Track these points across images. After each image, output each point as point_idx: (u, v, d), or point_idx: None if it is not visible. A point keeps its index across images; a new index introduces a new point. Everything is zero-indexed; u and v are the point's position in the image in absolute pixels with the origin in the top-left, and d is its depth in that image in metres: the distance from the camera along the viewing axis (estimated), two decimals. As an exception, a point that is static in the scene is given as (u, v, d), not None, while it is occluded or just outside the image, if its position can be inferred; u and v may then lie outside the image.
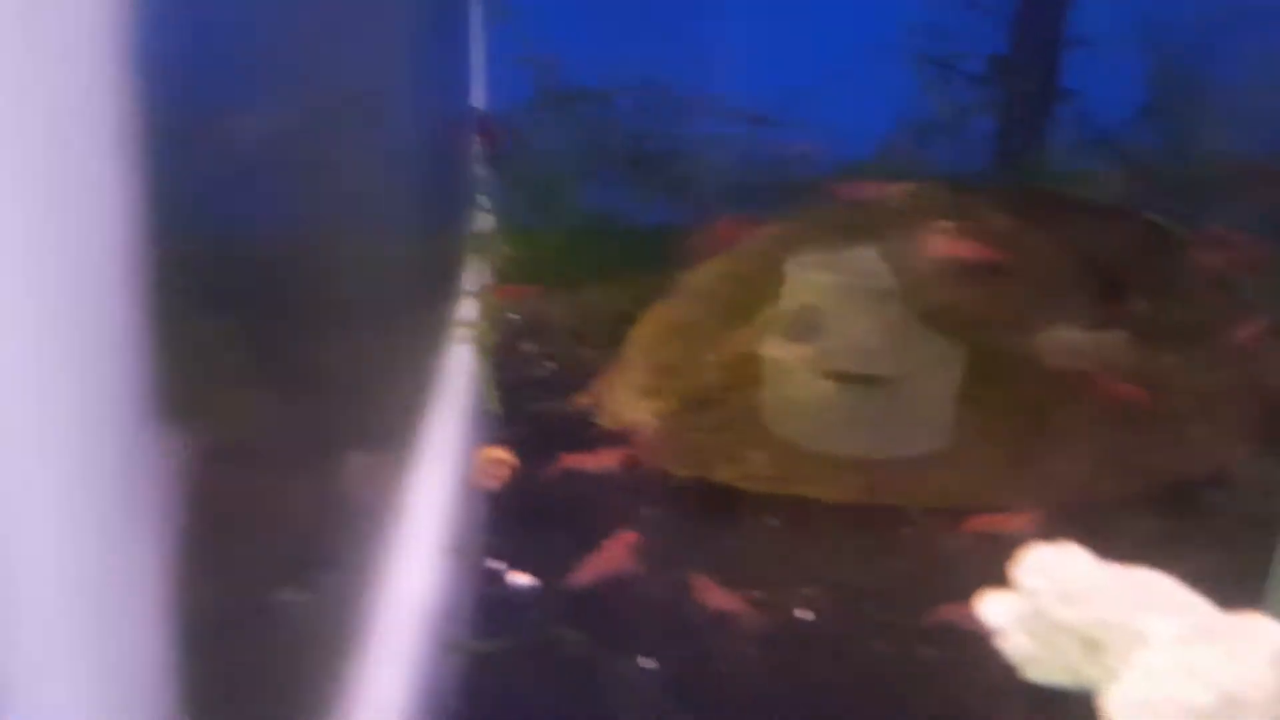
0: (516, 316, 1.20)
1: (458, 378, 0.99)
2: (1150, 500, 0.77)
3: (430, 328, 1.01)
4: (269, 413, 0.46)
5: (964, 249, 0.84)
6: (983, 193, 0.93)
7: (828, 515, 0.79)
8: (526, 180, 1.26)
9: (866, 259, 0.85)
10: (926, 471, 0.81)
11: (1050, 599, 0.55)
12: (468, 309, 1.15)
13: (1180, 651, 0.53)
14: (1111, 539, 0.72)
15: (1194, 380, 0.80)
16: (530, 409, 1.00)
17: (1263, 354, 0.82)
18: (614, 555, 0.66)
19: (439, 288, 1.07)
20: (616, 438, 0.92)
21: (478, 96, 1.24)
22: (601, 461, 0.88)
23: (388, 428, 0.79)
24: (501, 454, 0.81)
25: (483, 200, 1.25)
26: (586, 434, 0.93)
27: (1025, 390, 0.80)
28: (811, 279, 0.86)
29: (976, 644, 0.58)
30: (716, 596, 0.64)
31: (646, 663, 0.59)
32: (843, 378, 0.82)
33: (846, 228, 0.91)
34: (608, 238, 1.19)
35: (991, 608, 0.58)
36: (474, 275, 1.19)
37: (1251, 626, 0.53)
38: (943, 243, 0.84)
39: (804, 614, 0.65)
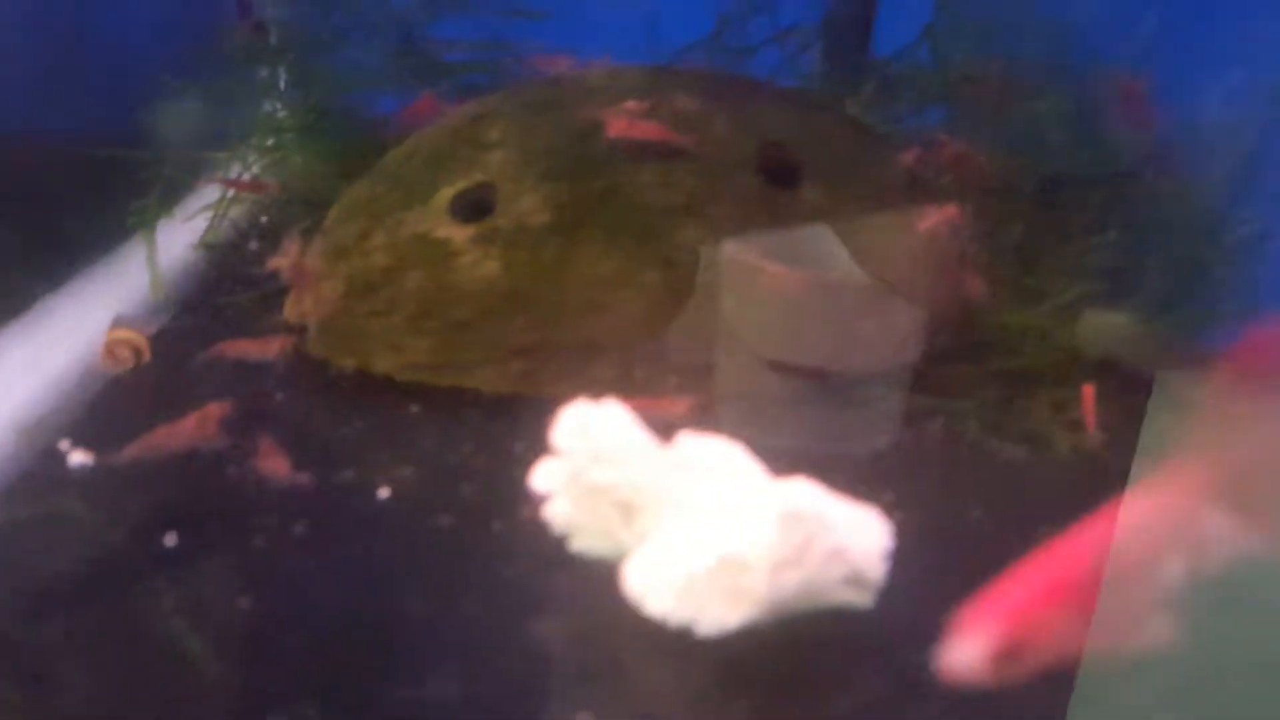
0: (265, 219, 1.15)
1: (134, 268, 0.93)
2: (811, 387, 0.75)
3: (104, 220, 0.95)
4: None
5: (641, 130, 0.79)
6: (682, 77, 0.88)
7: (476, 404, 0.75)
8: (291, 75, 1.20)
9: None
10: (587, 361, 0.77)
11: (585, 460, 0.51)
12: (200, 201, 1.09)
13: (700, 516, 0.50)
14: (767, 426, 0.70)
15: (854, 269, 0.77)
16: (220, 301, 0.94)
17: (944, 244, 0.80)
18: (181, 431, 0.61)
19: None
20: (291, 328, 0.87)
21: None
22: (262, 350, 0.83)
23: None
24: (128, 336, 0.75)
25: (238, 94, 1.19)
26: (259, 328, 0.88)
27: (690, 277, 0.77)
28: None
29: (538, 518, 0.55)
30: (281, 470, 0.60)
31: (169, 539, 0.54)
32: (512, 263, 0.78)
33: (537, 104, 0.86)
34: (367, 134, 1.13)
35: (540, 474, 0.54)
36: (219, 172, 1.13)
37: (787, 491, 0.50)
38: (622, 123, 0.80)
39: (384, 492, 0.61)
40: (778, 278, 0.75)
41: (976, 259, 0.87)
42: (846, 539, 0.50)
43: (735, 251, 0.77)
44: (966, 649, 0.33)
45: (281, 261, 0.87)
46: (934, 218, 0.81)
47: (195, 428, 0.62)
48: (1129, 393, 0.81)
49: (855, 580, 0.50)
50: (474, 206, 0.82)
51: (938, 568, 0.51)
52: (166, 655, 0.47)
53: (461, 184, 0.82)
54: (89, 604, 0.51)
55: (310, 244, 0.89)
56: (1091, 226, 0.91)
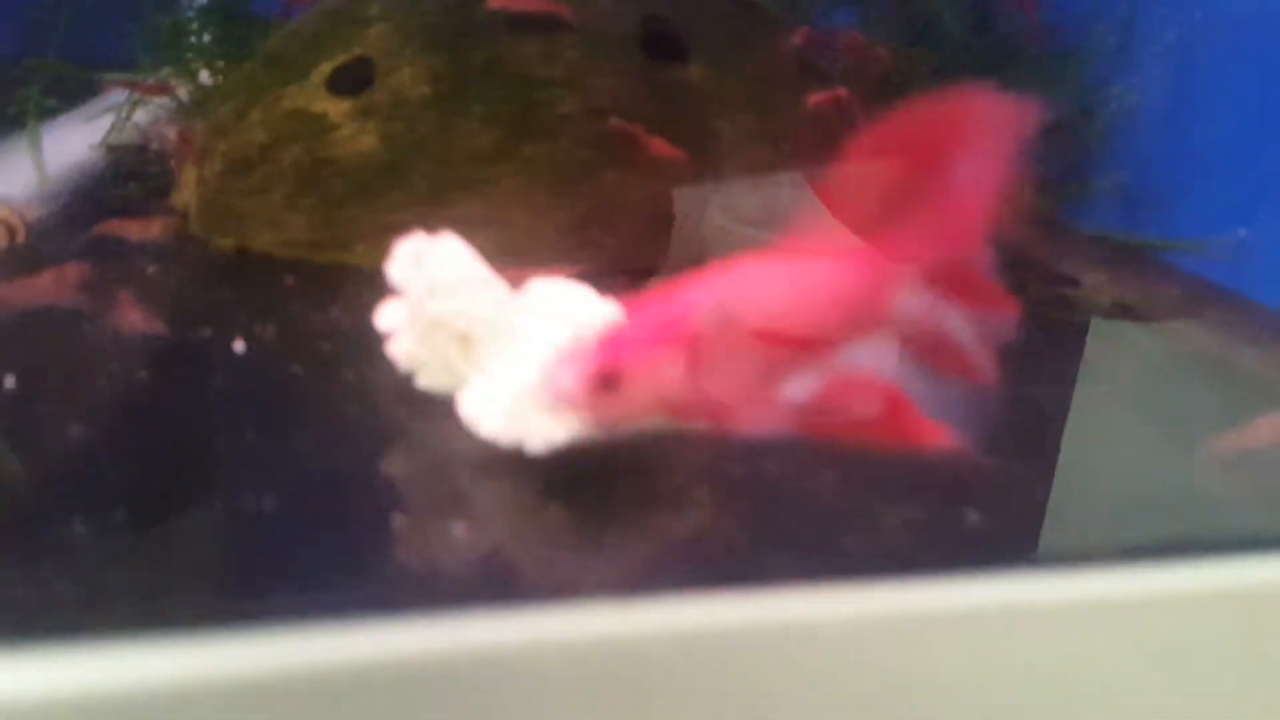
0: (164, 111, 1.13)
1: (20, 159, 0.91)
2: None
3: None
4: None
5: (522, 1, 0.79)
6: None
7: (354, 278, 0.74)
8: None
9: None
10: (471, 234, 0.77)
11: (420, 292, 0.51)
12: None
13: (536, 346, 0.50)
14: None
15: (741, 145, 0.77)
16: (101, 193, 0.93)
17: (830, 123, 0.80)
18: (35, 285, 0.60)
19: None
20: (177, 212, 0.86)
21: None
22: (143, 229, 0.82)
23: None
24: (3, 214, 0.73)
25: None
26: (140, 212, 0.87)
27: (568, 149, 0.76)
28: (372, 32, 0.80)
29: (384, 359, 0.54)
30: (136, 322, 0.59)
31: (8, 381, 0.53)
32: (389, 135, 0.77)
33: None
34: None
35: (383, 313, 0.54)
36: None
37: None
38: (503, -6, 0.79)
39: (239, 346, 0.60)
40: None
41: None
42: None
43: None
44: (565, 372, 0.33)
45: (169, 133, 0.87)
46: (821, 97, 0.81)
47: (51, 284, 0.61)
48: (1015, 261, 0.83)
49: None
50: (353, 82, 0.81)
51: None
52: None
53: (341, 57, 0.80)
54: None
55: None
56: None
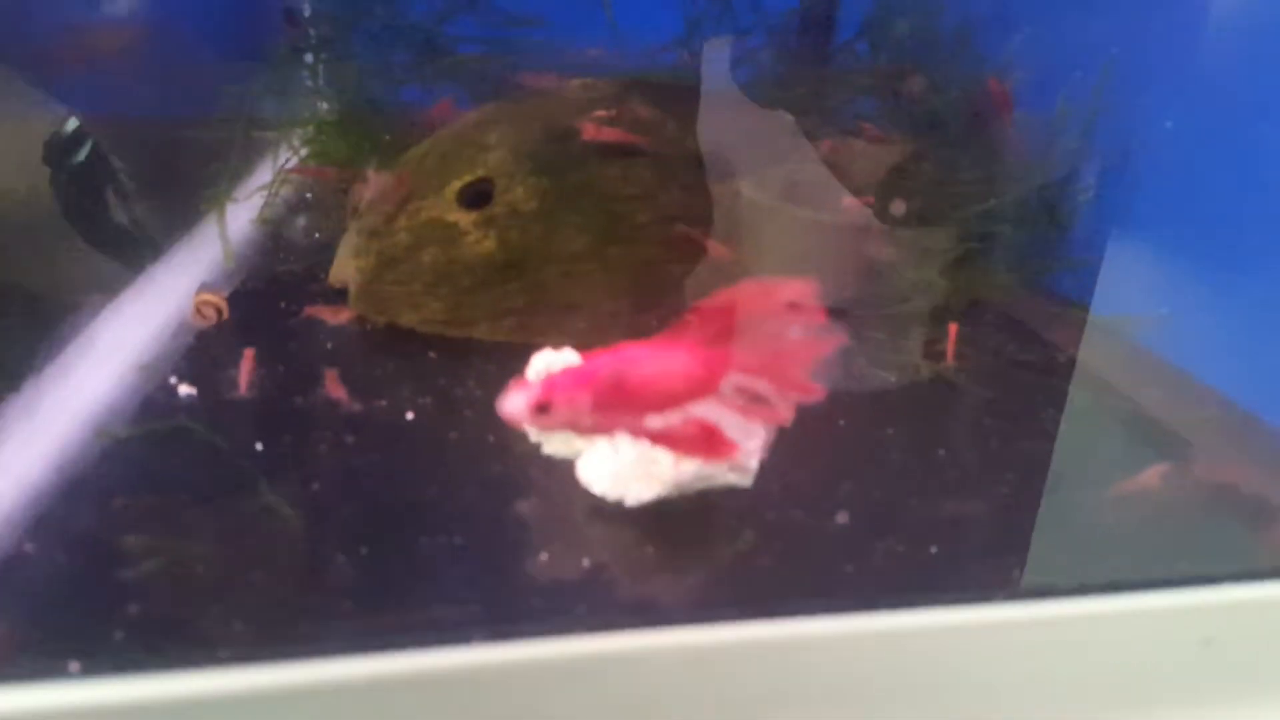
0: (309, 195, 1.37)
1: (211, 240, 1.15)
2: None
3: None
4: None
5: (608, 134, 1.00)
6: (642, 88, 1.08)
7: (479, 351, 0.96)
8: (331, 68, 1.40)
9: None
10: (564, 317, 0.99)
11: (549, 389, 0.73)
12: (260, 184, 1.30)
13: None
14: None
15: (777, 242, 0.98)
16: (273, 270, 1.16)
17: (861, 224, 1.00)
18: (244, 368, 0.84)
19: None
20: (333, 294, 1.09)
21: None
22: (335, 315, 1.04)
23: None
24: (212, 298, 0.97)
25: (290, 85, 1.39)
26: (309, 290, 1.10)
27: (643, 250, 0.97)
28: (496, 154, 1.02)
29: (517, 431, 0.76)
30: (339, 394, 0.82)
31: (259, 445, 0.76)
32: (506, 241, 0.99)
33: (526, 113, 1.06)
34: (404, 125, 1.33)
35: (512, 400, 0.76)
36: (276, 155, 1.34)
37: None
38: (593, 129, 1.00)
39: (409, 414, 0.83)
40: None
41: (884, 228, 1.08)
42: (733, 438, 0.71)
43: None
44: (516, 399, 0.56)
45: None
46: (852, 204, 1.01)
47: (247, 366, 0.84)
48: (992, 327, 1.04)
49: (738, 468, 0.71)
50: (477, 196, 1.03)
51: (800, 459, 0.73)
52: (266, 523, 0.69)
53: (467, 177, 1.03)
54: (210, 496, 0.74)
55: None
56: (975, 198, 1.12)
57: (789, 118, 1.06)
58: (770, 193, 1.03)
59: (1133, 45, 1.03)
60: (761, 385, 0.61)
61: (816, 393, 0.62)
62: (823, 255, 1.03)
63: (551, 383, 0.59)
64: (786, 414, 0.63)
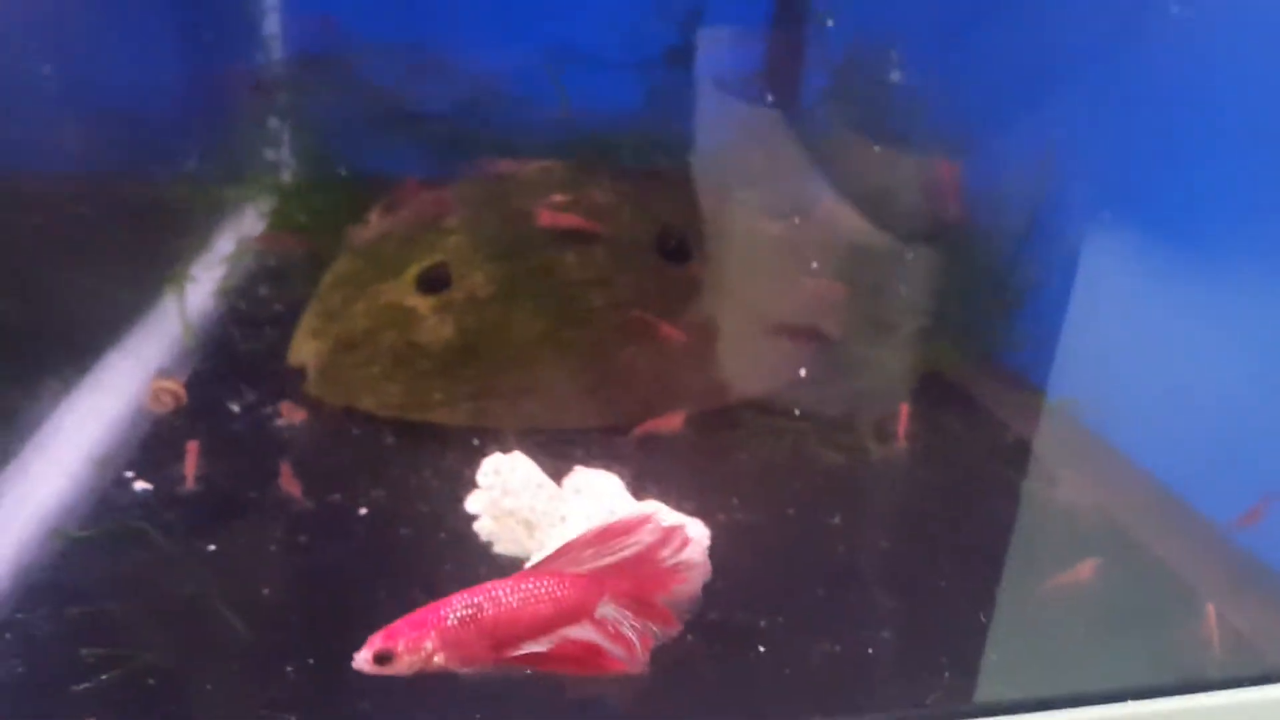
0: (272, 263, 1.37)
1: (169, 317, 1.15)
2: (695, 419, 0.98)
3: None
4: None
5: (564, 219, 1.02)
6: (596, 172, 1.10)
7: (437, 436, 0.97)
8: (295, 134, 1.41)
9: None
10: (521, 400, 1.00)
11: (499, 492, 0.74)
12: (220, 253, 1.31)
13: (576, 529, 0.72)
14: (652, 450, 0.93)
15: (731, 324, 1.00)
16: (233, 348, 1.17)
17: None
18: (190, 460, 0.84)
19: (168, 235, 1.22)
20: (291, 374, 1.09)
21: (256, 53, 1.38)
22: (295, 412, 1.04)
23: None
24: (169, 384, 0.97)
25: (254, 152, 1.40)
26: (268, 369, 1.11)
27: (598, 334, 0.99)
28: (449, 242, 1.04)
29: (470, 530, 0.77)
30: (293, 490, 0.83)
31: (209, 546, 0.77)
32: (464, 326, 1.00)
33: (484, 198, 1.08)
34: (371, 191, 1.35)
35: (470, 501, 0.77)
36: (238, 223, 1.35)
37: (638, 506, 0.72)
38: (549, 214, 1.02)
39: (362, 509, 0.84)
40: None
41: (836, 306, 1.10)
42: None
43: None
44: (362, 653, 0.57)
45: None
46: (815, 288, 1.04)
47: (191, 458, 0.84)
48: (941, 405, 1.06)
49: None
50: (434, 280, 1.05)
51: (746, 552, 0.75)
52: (203, 619, 0.69)
53: (425, 262, 1.04)
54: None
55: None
56: (929, 275, 1.14)
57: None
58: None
59: (1079, 127, 1.07)
60: (628, 616, 0.63)
61: (674, 625, 0.64)
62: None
63: (392, 630, 0.59)
64: (640, 653, 0.64)
